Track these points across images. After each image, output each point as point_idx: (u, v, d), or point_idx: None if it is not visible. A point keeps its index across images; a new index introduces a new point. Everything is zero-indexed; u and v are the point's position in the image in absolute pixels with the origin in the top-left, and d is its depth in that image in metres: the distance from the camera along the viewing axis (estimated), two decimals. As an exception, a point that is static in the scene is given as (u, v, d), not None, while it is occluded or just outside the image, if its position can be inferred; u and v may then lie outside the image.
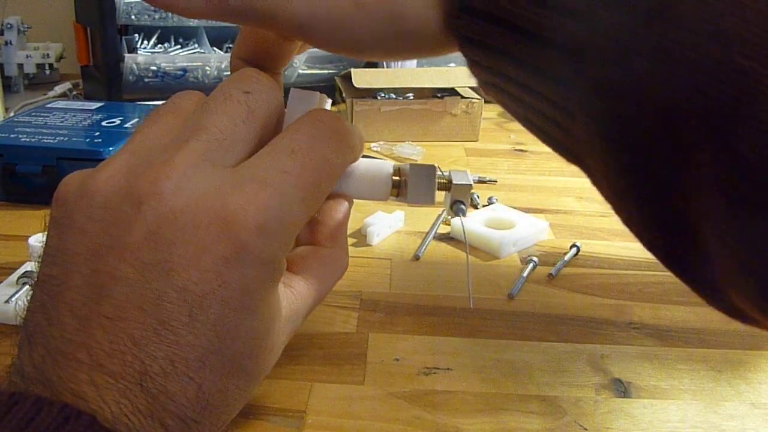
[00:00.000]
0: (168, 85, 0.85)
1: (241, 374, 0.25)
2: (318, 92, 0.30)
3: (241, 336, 0.24)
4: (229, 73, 0.96)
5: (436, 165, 0.32)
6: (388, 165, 0.32)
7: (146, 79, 0.84)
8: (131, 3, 0.80)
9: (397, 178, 0.32)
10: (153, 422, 0.22)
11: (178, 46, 0.87)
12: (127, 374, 0.22)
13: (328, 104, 0.31)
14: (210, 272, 0.23)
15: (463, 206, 0.33)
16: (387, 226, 0.53)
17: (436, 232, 0.54)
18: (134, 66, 0.81)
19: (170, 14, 0.83)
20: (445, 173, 0.34)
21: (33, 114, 0.65)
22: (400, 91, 0.81)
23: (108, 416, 0.22)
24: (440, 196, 0.34)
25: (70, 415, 0.20)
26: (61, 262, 0.24)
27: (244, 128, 0.26)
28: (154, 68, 0.83)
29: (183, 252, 0.23)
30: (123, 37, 0.82)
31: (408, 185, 0.32)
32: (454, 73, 0.82)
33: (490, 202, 0.60)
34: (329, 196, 0.31)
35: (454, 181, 0.33)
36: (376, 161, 0.33)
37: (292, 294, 0.28)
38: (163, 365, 0.23)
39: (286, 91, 0.30)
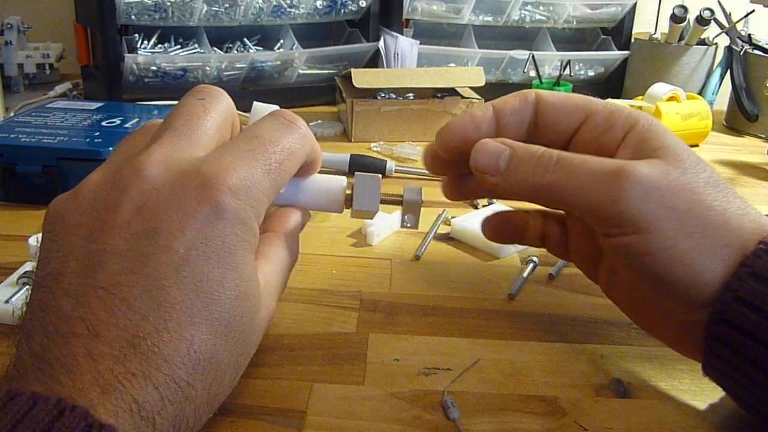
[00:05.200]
0: (168, 85, 0.85)
1: (230, 334, 0.26)
2: (278, 106, 0.34)
3: (226, 292, 0.26)
4: (228, 73, 0.96)
5: (379, 176, 0.36)
6: (342, 179, 0.36)
7: (146, 79, 0.84)
8: (131, 3, 0.80)
9: (350, 192, 0.36)
10: (146, 384, 0.23)
11: (178, 46, 0.87)
12: (122, 338, 0.23)
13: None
14: (193, 231, 0.26)
15: (410, 221, 0.37)
16: (387, 226, 0.53)
17: (436, 232, 0.54)
18: (134, 66, 0.81)
19: (170, 14, 0.83)
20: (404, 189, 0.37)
21: (33, 114, 0.65)
22: (400, 91, 0.81)
23: (98, 395, 0.22)
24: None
25: (64, 408, 0.21)
26: (56, 258, 0.26)
27: (204, 122, 0.30)
28: (154, 68, 0.83)
29: (168, 218, 0.26)
30: (123, 37, 0.82)
31: (353, 193, 0.36)
32: (454, 73, 0.82)
33: (489, 202, 0.60)
34: (285, 209, 0.35)
35: (405, 198, 0.37)
36: (331, 176, 0.36)
37: (260, 272, 0.30)
38: (155, 323, 0.24)
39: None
